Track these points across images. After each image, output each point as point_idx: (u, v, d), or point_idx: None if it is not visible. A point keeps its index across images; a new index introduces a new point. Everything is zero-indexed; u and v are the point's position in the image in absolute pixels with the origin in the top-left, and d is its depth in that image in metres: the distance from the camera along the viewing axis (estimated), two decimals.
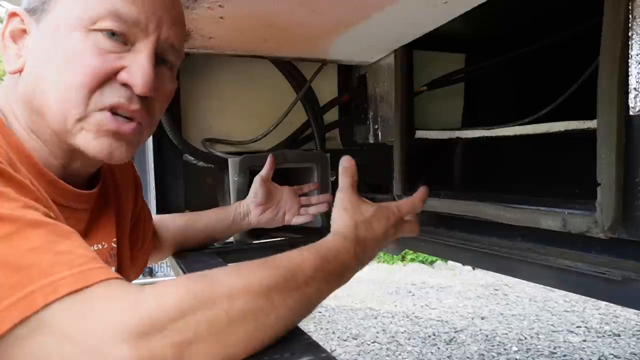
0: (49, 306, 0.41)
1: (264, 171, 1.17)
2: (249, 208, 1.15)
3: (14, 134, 0.60)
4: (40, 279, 0.41)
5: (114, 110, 0.60)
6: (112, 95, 0.60)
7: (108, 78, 0.59)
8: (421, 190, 0.78)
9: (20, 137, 0.61)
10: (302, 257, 0.56)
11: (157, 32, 0.61)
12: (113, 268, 0.76)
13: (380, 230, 0.68)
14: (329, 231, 0.66)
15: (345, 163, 0.74)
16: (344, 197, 0.70)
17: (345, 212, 0.68)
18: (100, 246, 0.73)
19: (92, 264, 0.45)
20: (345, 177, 0.72)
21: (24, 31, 0.62)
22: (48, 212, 0.50)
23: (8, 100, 0.63)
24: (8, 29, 0.62)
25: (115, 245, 0.77)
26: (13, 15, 0.62)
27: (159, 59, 0.64)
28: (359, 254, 0.64)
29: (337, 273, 0.59)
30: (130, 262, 0.85)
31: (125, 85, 0.60)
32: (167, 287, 0.46)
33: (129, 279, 0.85)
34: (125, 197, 0.83)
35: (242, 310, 0.46)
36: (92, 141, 0.60)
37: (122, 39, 0.59)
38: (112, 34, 0.58)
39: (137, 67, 0.59)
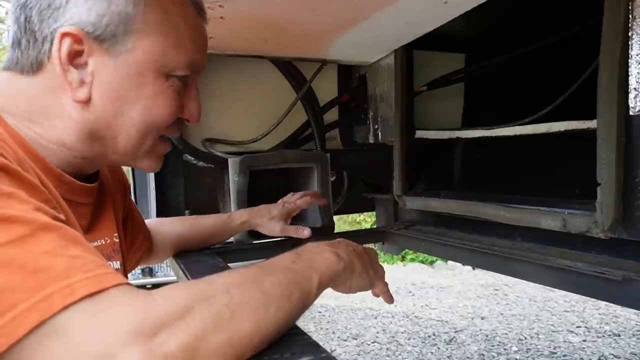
0: (66, 309, 0.40)
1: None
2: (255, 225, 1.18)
3: (17, 131, 0.59)
4: (57, 281, 0.41)
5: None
6: (175, 129, 0.71)
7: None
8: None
9: (25, 137, 0.60)
10: (282, 254, 0.63)
11: (203, 69, 0.71)
12: (118, 262, 0.77)
13: (348, 250, 0.74)
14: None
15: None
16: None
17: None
18: (103, 241, 0.73)
19: (104, 269, 0.45)
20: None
21: (79, 53, 0.59)
22: (56, 215, 0.50)
23: (16, 101, 0.60)
24: (64, 50, 0.57)
25: (117, 240, 0.77)
26: (67, 35, 0.57)
27: None
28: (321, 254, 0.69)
29: (312, 259, 0.65)
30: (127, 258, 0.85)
31: (180, 117, 0.70)
32: (171, 289, 0.47)
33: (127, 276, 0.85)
34: (116, 192, 0.84)
35: (240, 301, 0.49)
36: (153, 164, 0.72)
37: (186, 80, 0.68)
38: (183, 79, 0.67)
39: (195, 106, 0.71)
